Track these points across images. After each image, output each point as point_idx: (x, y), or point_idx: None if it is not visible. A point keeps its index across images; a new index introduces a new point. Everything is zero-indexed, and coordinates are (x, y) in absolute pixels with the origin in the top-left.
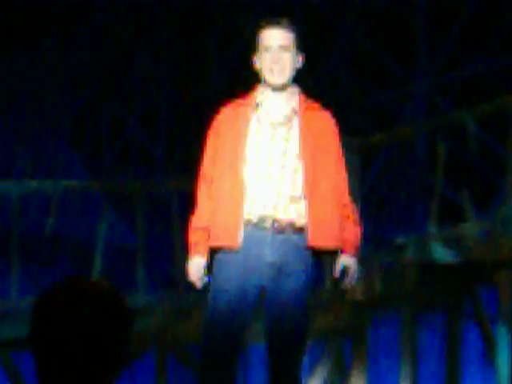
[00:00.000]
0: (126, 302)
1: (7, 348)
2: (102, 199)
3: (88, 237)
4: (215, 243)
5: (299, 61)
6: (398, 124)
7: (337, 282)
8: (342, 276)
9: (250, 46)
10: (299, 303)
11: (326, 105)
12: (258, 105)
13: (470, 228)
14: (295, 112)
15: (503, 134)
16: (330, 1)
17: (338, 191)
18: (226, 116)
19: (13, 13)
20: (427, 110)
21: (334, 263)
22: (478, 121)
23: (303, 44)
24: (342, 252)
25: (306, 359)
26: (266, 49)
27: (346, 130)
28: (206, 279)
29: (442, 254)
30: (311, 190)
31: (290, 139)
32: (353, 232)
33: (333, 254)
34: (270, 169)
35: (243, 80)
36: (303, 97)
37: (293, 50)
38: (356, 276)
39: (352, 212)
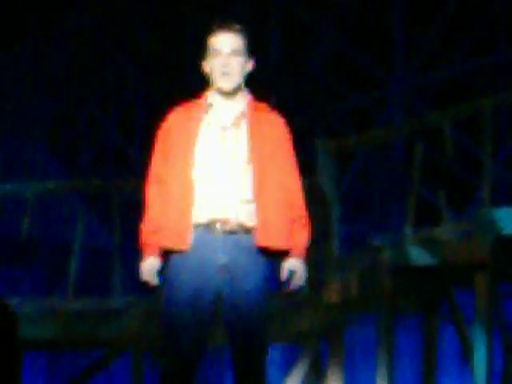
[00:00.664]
0: (8, 307)
1: None
2: (78, 200)
3: (64, 238)
4: (166, 245)
5: (249, 65)
6: (374, 126)
7: (282, 285)
8: (289, 279)
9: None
10: (255, 304)
11: (305, 106)
12: (207, 108)
13: (447, 230)
14: (244, 115)
15: (479, 135)
16: (306, 3)
17: (286, 193)
18: (176, 118)
19: None
20: (404, 111)
21: (280, 265)
22: (454, 122)
23: (252, 48)
24: (289, 255)
25: (282, 360)
26: (216, 53)
27: (324, 132)
28: (159, 279)
29: (418, 255)
30: (259, 192)
31: (239, 142)
32: (301, 236)
33: (283, 255)
34: (219, 171)
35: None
36: (252, 100)
37: (243, 54)
38: (302, 279)
39: (301, 215)
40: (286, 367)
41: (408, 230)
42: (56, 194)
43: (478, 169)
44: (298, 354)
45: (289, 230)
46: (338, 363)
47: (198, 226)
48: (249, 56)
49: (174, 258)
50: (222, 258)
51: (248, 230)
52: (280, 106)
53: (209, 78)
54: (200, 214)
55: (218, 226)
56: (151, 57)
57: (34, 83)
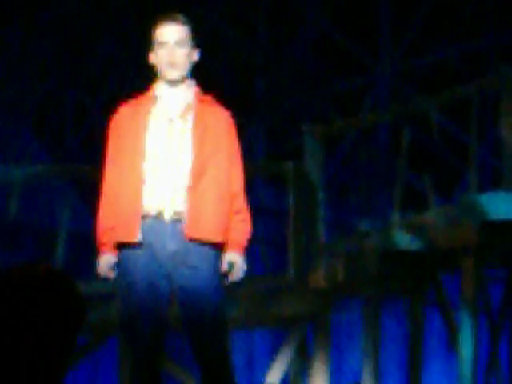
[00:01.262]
0: (77, 292)
1: None
2: (64, 185)
3: (51, 223)
4: (117, 239)
5: (195, 55)
6: (361, 111)
7: (224, 277)
8: (229, 271)
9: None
10: (207, 288)
11: (292, 91)
12: (155, 100)
13: (433, 215)
14: (190, 107)
15: (466, 121)
16: None
17: (224, 185)
18: (124, 115)
19: None
20: (390, 96)
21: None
22: (441, 108)
23: (198, 38)
24: (228, 249)
25: (268, 345)
26: (162, 44)
27: (310, 117)
28: (115, 273)
29: (404, 240)
30: (194, 183)
31: (185, 133)
32: (239, 230)
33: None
34: (166, 163)
35: (204, 66)
36: (198, 91)
37: (188, 44)
38: (241, 272)
39: (241, 208)
40: (272, 352)
41: (395, 216)
42: (43, 179)
43: (464, 154)
44: (284, 338)
45: (224, 223)
46: (324, 348)
47: (147, 216)
48: (194, 46)
49: (127, 249)
50: (171, 246)
51: None
52: (268, 91)
53: (156, 70)
54: (149, 205)
55: (166, 215)
56: (138, 42)
57: (21, 68)
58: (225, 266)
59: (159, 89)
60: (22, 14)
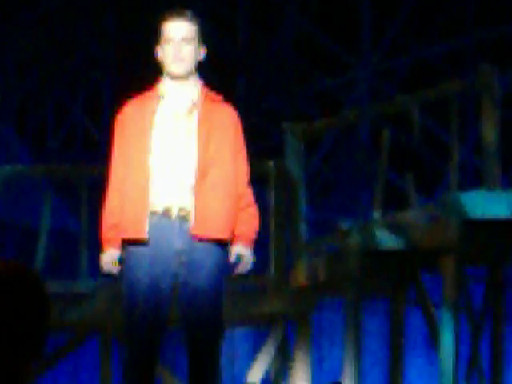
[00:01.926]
0: (41, 290)
1: None
2: (45, 184)
3: (31, 222)
4: (124, 236)
5: (201, 53)
6: (342, 109)
7: (230, 268)
8: (236, 264)
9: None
10: (211, 288)
11: (273, 88)
12: (161, 97)
13: (414, 214)
14: (196, 104)
15: (447, 119)
16: None
17: (230, 183)
18: (130, 111)
19: None
20: (371, 95)
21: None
22: (421, 106)
23: (205, 36)
24: (236, 242)
25: (249, 344)
26: (169, 41)
27: (291, 116)
28: (119, 269)
29: (386, 239)
30: (200, 181)
31: (191, 131)
32: (248, 224)
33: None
34: (172, 160)
35: None
36: (204, 89)
37: (195, 42)
38: (249, 265)
39: (249, 204)
40: (253, 351)
41: (376, 214)
42: (24, 178)
43: (445, 153)
44: (265, 338)
45: (232, 220)
46: (305, 347)
47: (154, 214)
48: (201, 43)
49: (133, 245)
50: (178, 244)
51: None
52: (249, 89)
53: (161, 65)
54: (156, 202)
55: (173, 213)
56: (120, 40)
57: (1, 67)
58: (233, 258)
59: (165, 86)
60: (1, 13)
